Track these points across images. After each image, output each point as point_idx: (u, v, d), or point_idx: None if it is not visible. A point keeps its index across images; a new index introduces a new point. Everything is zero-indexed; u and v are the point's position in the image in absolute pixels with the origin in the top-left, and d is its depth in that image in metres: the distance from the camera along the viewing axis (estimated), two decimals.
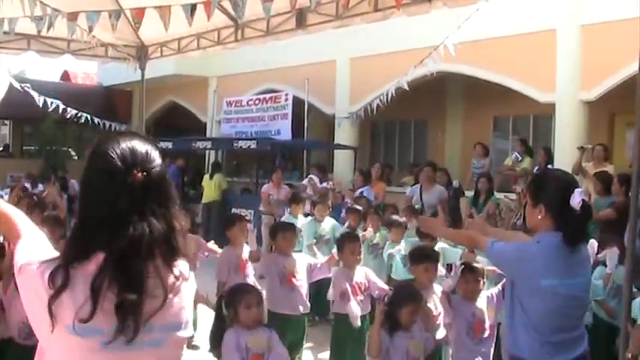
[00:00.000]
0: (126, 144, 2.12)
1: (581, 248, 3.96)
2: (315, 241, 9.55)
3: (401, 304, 5.02)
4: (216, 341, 4.98)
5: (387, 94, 14.75)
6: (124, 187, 2.04)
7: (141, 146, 2.14)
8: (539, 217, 3.86)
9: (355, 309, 6.37)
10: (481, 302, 5.50)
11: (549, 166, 12.34)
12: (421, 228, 5.36)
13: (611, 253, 6.51)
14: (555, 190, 3.86)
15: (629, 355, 5.25)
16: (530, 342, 3.82)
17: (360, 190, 12.19)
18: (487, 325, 5.44)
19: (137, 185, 2.06)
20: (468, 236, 4.54)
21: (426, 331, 5.32)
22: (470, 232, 4.60)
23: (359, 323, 6.35)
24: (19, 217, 2.31)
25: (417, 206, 10.95)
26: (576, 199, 3.73)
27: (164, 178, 2.17)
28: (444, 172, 12.55)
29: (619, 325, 6.31)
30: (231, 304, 4.98)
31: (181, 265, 2.15)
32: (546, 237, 3.82)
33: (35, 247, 2.16)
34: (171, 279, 2.10)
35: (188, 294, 2.18)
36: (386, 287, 6.75)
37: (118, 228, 2.02)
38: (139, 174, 2.07)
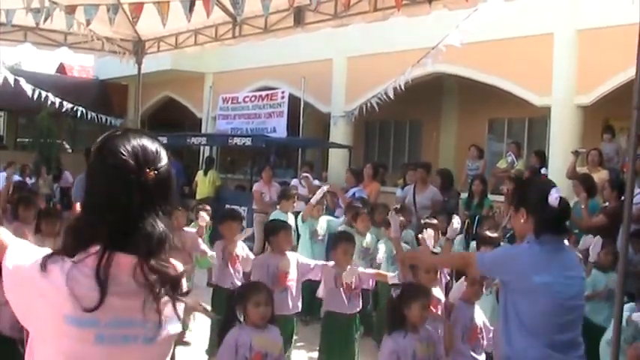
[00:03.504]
0: (136, 142, 2.12)
1: (568, 251, 4.14)
2: (308, 237, 9.58)
3: (410, 301, 4.94)
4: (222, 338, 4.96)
5: (383, 94, 14.76)
6: (136, 186, 2.06)
7: (150, 145, 2.15)
8: (522, 220, 4.03)
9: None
10: (478, 311, 5.49)
11: (543, 170, 12.37)
12: (407, 262, 5.32)
13: (595, 242, 6.57)
14: (533, 192, 4.09)
15: None
16: (525, 346, 3.85)
17: (352, 190, 12.12)
18: (483, 331, 5.42)
19: (149, 183, 2.07)
20: (457, 258, 4.67)
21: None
22: (456, 254, 4.72)
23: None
24: (2, 232, 2.31)
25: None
26: (554, 196, 3.91)
27: (171, 176, 2.19)
28: (443, 173, 12.51)
29: (604, 325, 6.35)
30: (241, 301, 4.94)
31: (175, 263, 2.16)
32: (534, 238, 3.97)
33: (26, 250, 2.16)
34: (168, 275, 2.11)
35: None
36: (373, 272, 6.96)
37: (130, 225, 2.04)
38: (151, 172, 2.08)
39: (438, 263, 5.25)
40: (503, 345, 3.99)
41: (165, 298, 2.10)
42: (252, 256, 7.54)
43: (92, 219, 2.09)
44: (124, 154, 2.08)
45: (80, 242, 2.07)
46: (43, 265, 2.02)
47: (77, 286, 1.99)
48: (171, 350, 2.21)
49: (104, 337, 2.01)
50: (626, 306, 6.05)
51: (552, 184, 4.07)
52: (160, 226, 2.08)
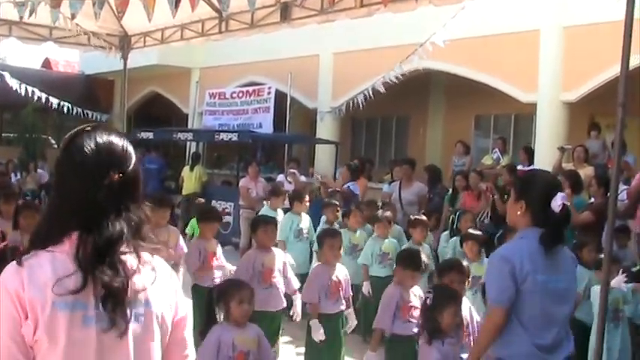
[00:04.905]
0: (102, 139, 2.15)
1: (562, 250, 3.99)
2: (293, 236, 9.58)
3: (442, 308, 4.85)
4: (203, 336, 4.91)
5: (371, 90, 14.76)
6: (101, 187, 2.08)
7: (117, 142, 2.18)
8: (519, 212, 3.91)
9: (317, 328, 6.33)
10: (465, 308, 5.39)
11: (531, 166, 12.41)
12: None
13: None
14: (539, 189, 3.90)
15: None
16: (519, 345, 3.79)
17: (347, 185, 12.21)
18: (469, 329, 5.36)
19: (114, 185, 2.10)
20: (489, 328, 3.96)
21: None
22: (484, 329, 4.10)
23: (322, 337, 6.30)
24: None
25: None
26: (557, 202, 3.78)
27: (138, 175, 2.22)
28: (431, 169, 12.58)
29: (585, 320, 6.39)
30: (223, 298, 4.88)
31: (146, 256, 2.18)
32: (528, 232, 3.86)
33: None
34: (143, 268, 2.14)
35: (163, 280, 2.21)
36: (350, 293, 6.82)
37: (93, 220, 2.07)
38: (116, 175, 2.11)
39: (483, 347, 4.12)
40: (498, 345, 3.90)
41: (150, 278, 2.15)
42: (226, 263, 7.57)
43: (61, 214, 2.12)
44: (89, 154, 2.11)
45: (51, 235, 2.10)
46: (19, 262, 2.05)
47: (60, 271, 2.02)
48: (167, 333, 2.22)
49: (92, 319, 2.04)
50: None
51: (559, 187, 3.92)
52: (119, 224, 2.09)
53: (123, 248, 2.10)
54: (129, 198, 2.15)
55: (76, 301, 2.02)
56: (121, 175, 2.12)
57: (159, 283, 2.19)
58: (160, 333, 2.19)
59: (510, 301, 3.78)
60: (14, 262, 2.07)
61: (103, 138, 2.16)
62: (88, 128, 2.20)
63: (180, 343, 2.29)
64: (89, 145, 2.12)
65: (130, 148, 2.21)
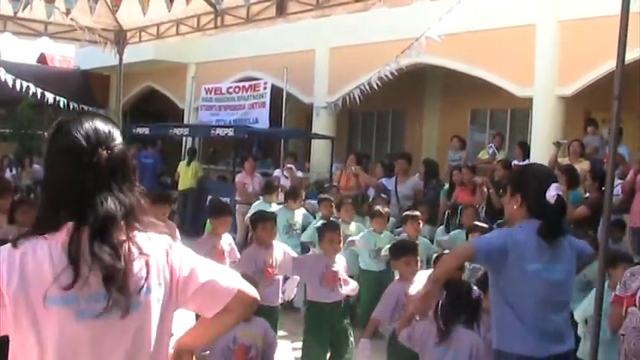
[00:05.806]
0: (88, 124, 2.17)
1: (562, 242, 3.97)
2: (283, 231, 9.58)
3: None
4: None
5: (367, 85, 14.74)
6: (90, 166, 2.10)
7: (103, 125, 2.20)
8: (515, 206, 3.93)
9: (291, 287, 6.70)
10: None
11: (526, 161, 12.41)
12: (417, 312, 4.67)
13: None
14: (533, 181, 3.92)
15: None
16: (517, 336, 3.81)
17: (381, 180, 12.25)
18: None
19: (102, 163, 2.12)
20: (455, 257, 4.16)
21: None
22: (451, 255, 4.26)
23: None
24: None
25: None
26: (552, 192, 3.78)
27: (126, 156, 2.24)
28: (427, 163, 12.59)
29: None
30: None
31: (140, 238, 2.16)
32: (526, 224, 3.88)
33: None
34: (136, 249, 2.13)
35: (159, 261, 2.19)
36: (354, 285, 6.83)
37: (87, 204, 2.07)
38: (104, 152, 2.13)
39: (442, 275, 4.15)
40: (495, 336, 3.94)
41: (145, 267, 2.13)
42: (236, 251, 7.55)
43: (57, 204, 2.11)
44: (76, 136, 2.13)
45: (47, 222, 2.10)
46: (14, 244, 2.06)
47: (55, 263, 2.02)
48: (159, 316, 2.19)
49: (84, 313, 2.03)
50: None
51: (553, 178, 3.93)
52: (112, 202, 2.10)
53: (118, 234, 2.09)
54: (119, 177, 2.16)
55: (70, 295, 2.00)
56: (108, 152, 2.14)
57: (155, 266, 2.17)
58: (161, 315, 2.18)
59: (486, 256, 3.92)
60: (8, 245, 2.07)
61: (88, 123, 2.18)
62: (73, 117, 2.23)
63: (207, 289, 2.25)
64: (76, 128, 2.15)
65: (115, 131, 2.23)
